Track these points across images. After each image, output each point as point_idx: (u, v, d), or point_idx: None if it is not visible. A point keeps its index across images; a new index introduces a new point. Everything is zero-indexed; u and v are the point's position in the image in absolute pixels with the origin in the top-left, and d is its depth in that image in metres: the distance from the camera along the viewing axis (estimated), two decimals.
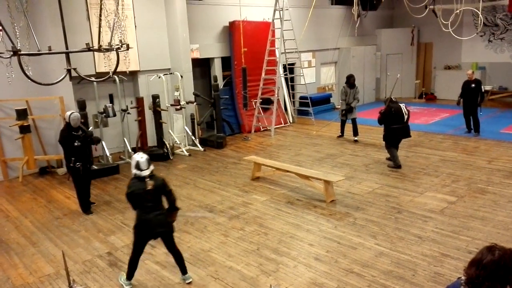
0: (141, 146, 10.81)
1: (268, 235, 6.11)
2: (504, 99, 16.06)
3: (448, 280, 4.57)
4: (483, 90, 11.09)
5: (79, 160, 6.97)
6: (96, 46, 4.31)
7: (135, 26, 10.61)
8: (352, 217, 6.55)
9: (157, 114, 10.45)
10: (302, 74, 14.02)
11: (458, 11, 11.40)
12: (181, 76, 11.02)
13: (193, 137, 11.37)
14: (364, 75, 16.95)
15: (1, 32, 3.53)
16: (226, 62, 13.06)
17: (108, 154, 9.75)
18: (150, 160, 4.86)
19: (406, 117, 8.70)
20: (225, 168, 9.54)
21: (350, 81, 11.11)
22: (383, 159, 9.37)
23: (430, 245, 5.56)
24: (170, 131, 11.10)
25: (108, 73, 4.72)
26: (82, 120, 7.69)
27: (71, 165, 6.97)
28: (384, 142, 9.03)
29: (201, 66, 13.33)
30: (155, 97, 10.36)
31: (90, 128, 7.63)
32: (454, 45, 16.52)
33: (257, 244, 5.86)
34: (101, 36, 3.82)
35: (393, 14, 18.82)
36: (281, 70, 13.52)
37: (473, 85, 10.96)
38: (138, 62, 10.86)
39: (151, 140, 11.12)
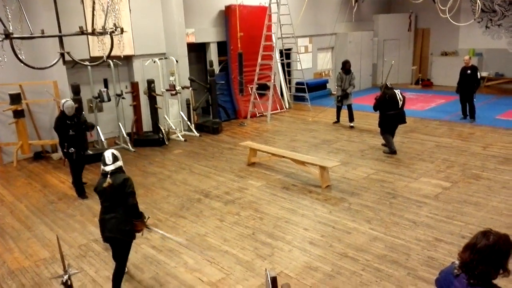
0: (136, 131, 10.76)
1: (264, 219, 6.13)
2: (500, 85, 16.06)
3: (441, 265, 4.61)
4: (479, 77, 11.07)
5: (73, 146, 6.99)
6: (90, 30, 4.26)
7: (130, 10, 10.45)
8: (347, 202, 6.58)
9: (152, 99, 10.38)
10: (298, 60, 13.92)
11: None
12: (177, 61, 10.92)
13: (188, 123, 11.32)
14: (361, 61, 16.87)
15: None
16: (222, 47, 12.94)
17: (103, 139, 9.70)
18: (117, 157, 4.43)
19: (401, 103, 8.69)
20: (220, 153, 9.53)
21: (346, 67, 11.05)
22: (378, 145, 9.38)
23: (424, 230, 5.60)
24: (165, 116, 11.04)
25: (102, 57, 4.66)
26: (77, 105, 7.64)
27: (65, 150, 7.00)
28: (379, 129, 9.03)
29: (197, 51, 13.20)
30: (150, 82, 10.28)
31: (83, 113, 7.59)
32: (452, 31, 16.44)
33: (253, 228, 5.89)
34: (95, 20, 3.75)
35: (391, 0, 18.67)
36: (277, 55, 13.42)
37: (469, 71, 10.95)
38: (133, 46, 10.73)
39: (146, 125, 11.07)
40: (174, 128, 10.98)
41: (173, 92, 10.75)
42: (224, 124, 12.09)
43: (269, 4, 12.90)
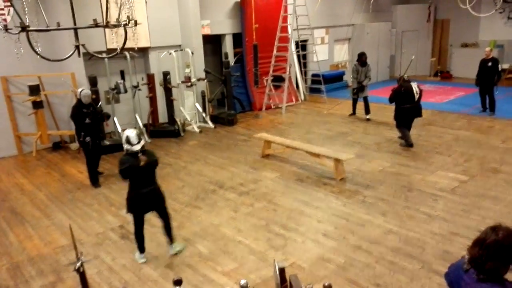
0: (152, 122, 10.87)
1: (277, 211, 6.15)
2: None
3: (456, 258, 4.51)
4: (500, 69, 10.83)
5: (89, 135, 7.11)
6: (104, 22, 4.30)
7: (146, 2, 10.51)
8: (361, 195, 6.55)
9: (168, 91, 10.46)
10: (314, 51, 13.81)
11: None
12: (192, 53, 10.95)
13: (203, 114, 11.38)
14: (379, 52, 16.64)
15: (11, 8, 3.52)
16: (238, 39, 12.92)
17: (119, 130, 9.83)
18: (140, 136, 4.82)
19: (417, 96, 8.57)
20: (235, 145, 9.56)
21: (362, 59, 10.90)
22: (395, 138, 9.28)
23: (440, 224, 5.54)
24: (181, 108, 11.11)
25: (116, 49, 4.71)
26: (94, 96, 7.75)
27: (81, 139, 7.11)
28: (395, 122, 8.95)
29: (212, 42, 13.21)
30: (165, 74, 10.35)
31: (100, 104, 7.70)
32: (472, 22, 16.05)
33: (266, 219, 5.91)
34: (109, 12, 3.78)
35: None
36: (293, 47, 13.34)
37: (490, 63, 10.71)
38: (149, 38, 10.81)
39: (162, 117, 11.16)
40: (189, 119, 11.05)
41: (189, 84, 10.81)
42: (239, 116, 12.11)
43: None
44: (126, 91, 9.68)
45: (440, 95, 13.76)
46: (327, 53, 15.82)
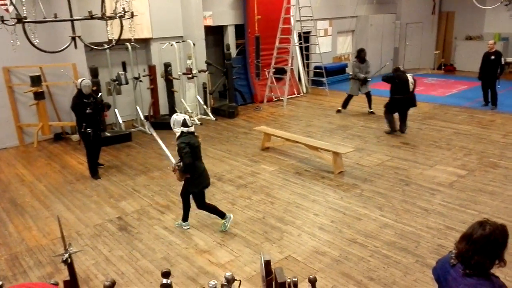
0: (153, 114, 10.88)
1: (275, 204, 6.18)
2: None
3: None
4: (503, 62, 10.75)
5: (90, 126, 7.14)
6: (106, 13, 4.30)
7: None
8: (359, 189, 6.57)
9: (169, 82, 10.46)
10: (317, 43, 13.75)
11: None
12: (194, 44, 10.94)
13: (205, 106, 11.38)
14: (382, 45, 16.54)
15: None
16: (240, 30, 12.87)
17: (120, 122, 9.88)
18: None
19: (412, 86, 8.69)
20: (235, 137, 9.58)
21: (361, 56, 10.78)
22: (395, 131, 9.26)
23: (436, 218, 5.56)
24: (182, 99, 11.12)
25: (119, 40, 4.71)
26: (94, 88, 7.77)
27: (82, 130, 7.14)
28: (384, 109, 9.20)
29: (214, 34, 13.17)
30: (167, 65, 10.34)
31: (100, 95, 7.71)
32: (477, 15, 15.91)
33: (263, 212, 5.95)
34: (104, 4, 3.78)
35: None
36: (295, 38, 13.28)
37: (492, 56, 10.64)
38: (151, 29, 10.80)
39: (163, 109, 11.17)
40: (190, 111, 11.06)
41: (190, 76, 10.80)
42: (240, 108, 12.11)
43: None
44: (127, 82, 9.70)
45: (443, 89, 13.69)
46: (330, 45, 15.74)
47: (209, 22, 11.96)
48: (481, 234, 2.28)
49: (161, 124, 10.52)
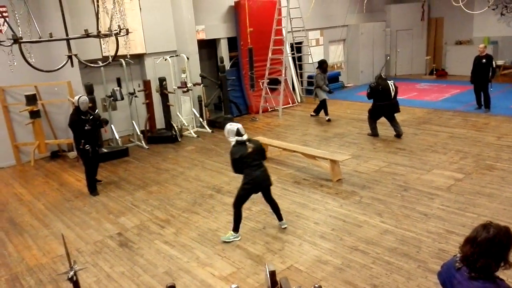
0: (150, 129, 10.90)
1: (275, 214, 6.17)
2: None
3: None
4: (494, 66, 10.90)
5: (88, 143, 7.14)
6: (101, 31, 4.34)
7: (140, 9, 10.58)
8: (358, 196, 6.59)
9: (164, 96, 10.50)
10: (309, 53, 13.88)
11: None
12: (188, 58, 11.01)
13: (200, 119, 11.42)
14: (374, 52, 16.72)
15: (5, 19, 3.56)
16: (233, 43, 12.98)
17: (117, 137, 9.88)
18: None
19: (393, 93, 9.05)
20: None
21: (324, 67, 11.40)
22: (391, 137, 9.34)
23: (436, 222, 5.58)
24: (178, 113, 11.16)
25: (115, 56, 4.75)
26: (90, 104, 7.80)
27: (81, 147, 7.13)
28: (368, 114, 9.56)
29: (208, 47, 13.28)
30: (161, 80, 10.39)
31: (97, 111, 7.74)
32: (466, 20, 16.13)
33: (264, 223, 5.95)
34: (99, 22, 3.83)
35: None
36: (288, 49, 13.40)
37: (484, 60, 10.77)
38: (144, 45, 10.87)
39: (159, 123, 11.20)
40: (186, 125, 11.10)
41: (185, 89, 10.86)
42: (236, 120, 12.13)
43: None
44: (122, 98, 9.73)
45: (436, 93, 13.82)
46: (322, 55, 15.86)
47: (202, 36, 12.06)
48: (485, 237, 2.30)
49: (158, 138, 10.55)
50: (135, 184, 7.86)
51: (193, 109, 11.33)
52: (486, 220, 2.56)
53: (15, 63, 3.94)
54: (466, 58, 15.56)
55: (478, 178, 6.89)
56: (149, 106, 10.88)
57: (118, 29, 3.88)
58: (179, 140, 10.50)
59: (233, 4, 12.67)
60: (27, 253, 5.60)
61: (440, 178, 7.00)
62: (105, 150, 9.35)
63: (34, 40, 3.52)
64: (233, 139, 5.42)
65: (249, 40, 11.91)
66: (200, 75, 11.40)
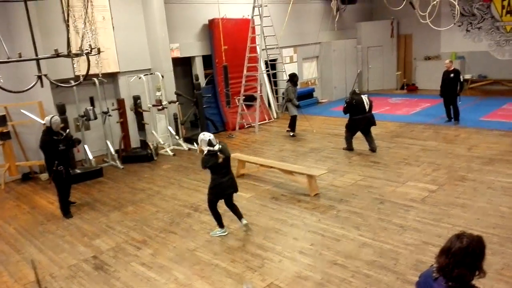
0: (124, 148, 10.74)
1: (253, 231, 6.14)
2: (484, 87, 16.32)
3: None
4: (461, 80, 11.29)
5: (62, 164, 6.96)
6: (74, 50, 4.29)
7: (113, 27, 10.53)
8: (335, 210, 6.64)
9: (139, 115, 10.40)
10: (284, 70, 14.06)
11: (435, 2, 11.52)
12: (162, 76, 10.97)
13: (176, 137, 11.33)
14: (346, 69, 17.08)
15: None
16: (208, 60, 13.04)
17: (91, 157, 9.68)
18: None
19: (367, 107, 9.28)
20: None
21: (295, 80, 11.61)
22: (366, 151, 9.49)
23: (412, 234, 5.66)
24: (153, 131, 11.06)
25: (86, 76, 4.69)
26: (62, 125, 7.64)
27: (54, 168, 6.94)
28: (345, 129, 9.73)
29: (182, 65, 13.28)
30: (136, 98, 10.30)
31: (68, 131, 7.58)
32: (433, 36, 16.71)
33: (243, 240, 5.90)
34: (70, 41, 3.79)
35: (372, 7, 18.97)
36: (263, 66, 13.55)
37: (452, 75, 11.16)
38: (118, 63, 10.78)
39: (134, 142, 11.04)
40: (162, 143, 10.99)
41: (160, 107, 10.78)
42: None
43: (252, 17, 13.07)
44: (96, 117, 9.56)
45: (407, 107, 14.18)
46: (296, 71, 16.04)
47: (177, 54, 12.07)
48: (459, 247, 2.36)
49: (133, 157, 10.39)
50: (110, 205, 7.69)
51: (169, 127, 11.25)
52: (460, 230, 2.62)
53: None
54: (435, 73, 16.08)
55: (451, 189, 7.06)
56: (124, 125, 10.73)
57: (90, 48, 3.84)
58: (155, 158, 10.38)
59: (207, 22, 12.76)
60: None
61: (414, 190, 7.14)
62: (79, 171, 9.15)
63: (2, 60, 3.44)
64: (205, 149, 5.74)
65: (224, 58, 11.98)
66: (176, 93, 11.37)
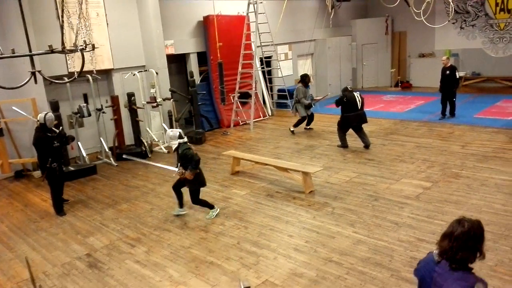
0: (118, 145, 10.68)
1: (248, 228, 6.14)
2: (478, 84, 16.42)
3: None
4: (457, 76, 11.36)
5: (56, 161, 6.90)
6: (68, 46, 4.24)
7: (107, 24, 10.44)
8: (330, 207, 6.64)
9: (133, 112, 10.34)
10: (279, 67, 14.04)
11: None
12: (157, 73, 10.91)
13: None
14: (341, 66, 17.08)
15: None
16: (202, 57, 12.98)
17: (84, 155, 9.62)
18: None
19: (360, 104, 9.28)
20: (204, 163, 9.47)
21: (306, 81, 11.59)
22: (360, 148, 9.50)
23: (406, 231, 5.68)
24: (147, 128, 11.01)
25: (80, 72, 4.64)
26: (56, 122, 7.58)
27: (48, 166, 6.88)
28: (337, 127, 9.78)
29: (177, 62, 13.21)
30: (130, 95, 10.24)
31: (61, 128, 7.52)
32: (427, 33, 16.76)
33: (238, 238, 5.89)
34: (64, 37, 3.75)
35: (367, 4, 18.98)
36: (257, 63, 13.52)
37: (448, 71, 11.24)
38: (112, 60, 10.70)
39: (129, 139, 10.99)
40: (156, 140, 10.94)
41: (154, 104, 10.73)
42: (208, 134, 12.10)
43: (247, 14, 13.01)
44: (89, 114, 9.50)
45: (401, 105, 14.21)
46: (291, 68, 16.08)
47: (171, 51, 12.00)
48: (461, 231, 2.46)
49: (127, 154, 10.33)
50: (104, 202, 7.65)
51: (163, 124, 11.20)
52: (460, 215, 2.67)
53: None
54: (429, 70, 16.19)
55: (445, 186, 7.09)
56: (118, 122, 10.67)
57: (84, 45, 3.80)
58: (149, 156, 10.33)
59: (202, 19, 12.70)
60: None
61: (408, 187, 7.16)
62: (72, 168, 9.08)
63: None
64: (176, 142, 6.17)
65: (218, 55, 11.93)
66: (170, 90, 11.31)
